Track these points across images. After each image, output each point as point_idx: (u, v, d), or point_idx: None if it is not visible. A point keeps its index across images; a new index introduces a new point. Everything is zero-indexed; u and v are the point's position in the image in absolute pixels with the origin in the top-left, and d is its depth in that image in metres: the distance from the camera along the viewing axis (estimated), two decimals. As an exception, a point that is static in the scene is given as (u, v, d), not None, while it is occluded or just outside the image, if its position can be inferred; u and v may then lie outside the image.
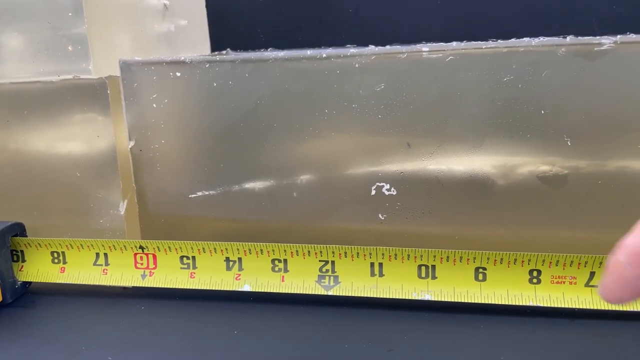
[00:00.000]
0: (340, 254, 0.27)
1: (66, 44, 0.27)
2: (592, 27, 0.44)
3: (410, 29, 0.47)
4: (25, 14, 0.27)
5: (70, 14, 0.27)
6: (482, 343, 0.24)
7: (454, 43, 0.25)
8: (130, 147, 0.29)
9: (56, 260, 0.30)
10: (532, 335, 0.24)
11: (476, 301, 0.26)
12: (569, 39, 0.24)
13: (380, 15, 0.48)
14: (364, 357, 0.23)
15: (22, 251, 0.30)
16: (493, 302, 0.26)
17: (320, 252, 0.27)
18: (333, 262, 0.27)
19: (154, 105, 0.28)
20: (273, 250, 0.28)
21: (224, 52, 0.44)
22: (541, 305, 0.25)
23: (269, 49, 0.44)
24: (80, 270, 0.29)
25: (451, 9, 0.47)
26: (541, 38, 0.24)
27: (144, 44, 0.33)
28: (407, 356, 0.23)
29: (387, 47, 0.26)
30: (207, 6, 0.43)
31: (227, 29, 0.47)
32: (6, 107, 0.29)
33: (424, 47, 0.25)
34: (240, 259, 0.28)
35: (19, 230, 0.30)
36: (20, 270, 0.30)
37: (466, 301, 0.26)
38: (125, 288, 0.30)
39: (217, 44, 0.45)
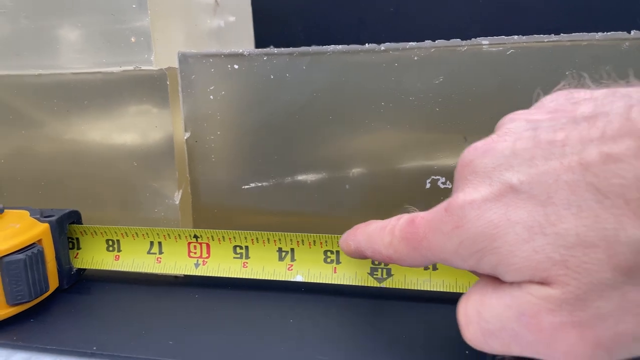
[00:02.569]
0: (393, 247, 0.27)
1: (129, 35, 0.28)
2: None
3: (451, 27, 0.47)
4: (89, 6, 0.28)
5: (134, 6, 0.27)
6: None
7: (515, 37, 0.25)
8: (185, 138, 0.30)
9: (111, 248, 0.30)
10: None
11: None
12: (633, 33, 0.24)
13: (420, 14, 0.48)
14: (425, 349, 0.23)
15: (77, 238, 0.31)
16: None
17: (374, 244, 0.27)
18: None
19: (211, 97, 0.29)
20: (326, 242, 0.28)
21: (267, 49, 0.44)
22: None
23: (310, 47, 0.44)
24: (135, 258, 0.30)
25: (493, 6, 0.47)
26: (605, 32, 0.24)
27: (196, 39, 0.34)
28: (464, 346, 0.23)
29: (446, 40, 0.26)
30: (251, 3, 0.44)
31: (269, 27, 0.47)
32: (67, 97, 0.30)
33: (484, 41, 0.25)
34: (292, 249, 0.28)
35: (75, 217, 0.30)
36: (75, 257, 0.30)
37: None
38: (176, 277, 0.31)
39: (259, 41, 0.46)
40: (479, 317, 0.18)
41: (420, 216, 0.21)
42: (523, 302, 0.17)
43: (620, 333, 0.16)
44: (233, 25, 0.39)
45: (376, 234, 0.22)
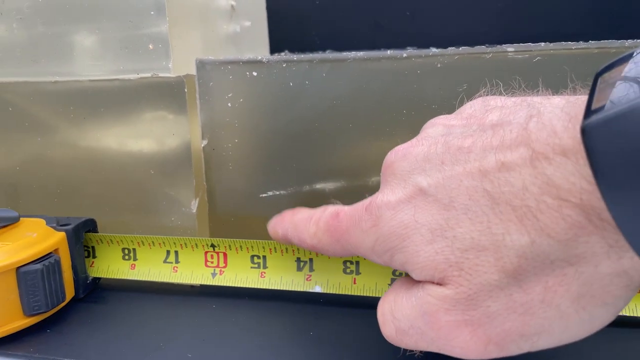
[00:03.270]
0: (415, 258, 0.27)
1: (147, 42, 0.27)
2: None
3: (468, 31, 0.47)
4: (107, 13, 0.28)
5: (152, 12, 0.27)
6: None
7: (542, 44, 0.24)
8: (203, 145, 0.29)
9: (127, 257, 0.30)
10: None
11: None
12: (664, 39, 0.23)
13: (437, 18, 0.48)
14: (448, 363, 0.23)
15: (93, 247, 0.30)
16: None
17: (395, 255, 0.27)
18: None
19: (229, 104, 0.29)
20: (345, 252, 0.27)
21: (282, 53, 0.44)
22: None
23: (327, 51, 0.44)
24: (151, 268, 0.29)
25: (511, 11, 0.46)
26: (635, 40, 0.23)
27: (213, 44, 0.33)
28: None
29: (471, 47, 0.25)
30: (266, 8, 0.44)
31: (284, 31, 0.47)
32: (84, 104, 0.29)
33: (510, 48, 0.25)
34: (311, 259, 0.28)
35: (91, 226, 0.30)
36: (91, 266, 0.30)
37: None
38: (192, 286, 0.30)
39: (274, 46, 0.45)
40: (392, 317, 0.20)
41: (343, 211, 0.22)
42: (425, 302, 0.18)
43: (507, 330, 0.17)
44: (249, 30, 0.39)
45: (302, 223, 0.23)
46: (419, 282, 0.19)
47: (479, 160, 0.17)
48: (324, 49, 0.44)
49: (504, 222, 0.16)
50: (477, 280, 0.17)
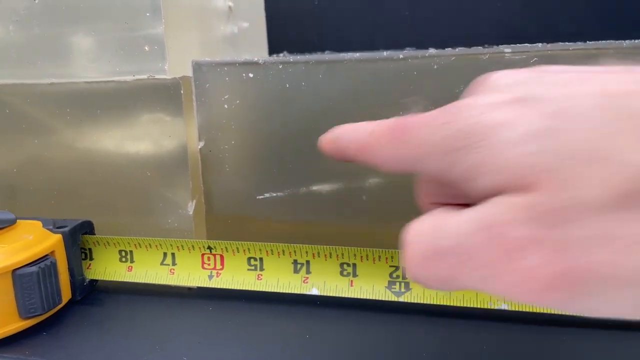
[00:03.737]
0: (412, 260, 0.27)
1: (142, 44, 0.27)
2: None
3: (467, 32, 0.47)
4: (102, 15, 0.28)
5: (148, 14, 0.27)
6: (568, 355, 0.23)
7: (539, 44, 0.24)
8: (199, 147, 0.29)
9: (124, 259, 0.30)
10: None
11: (557, 312, 0.25)
12: (662, 40, 0.23)
13: (435, 18, 0.47)
14: (445, 367, 0.22)
15: (90, 249, 0.30)
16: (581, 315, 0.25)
17: (392, 257, 0.27)
18: (404, 268, 0.27)
19: (225, 106, 0.28)
20: (342, 254, 0.27)
21: (281, 54, 0.44)
22: None
23: (325, 52, 0.44)
24: (148, 270, 0.29)
25: (509, 11, 0.46)
26: (633, 40, 0.23)
27: (211, 46, 0.33)
28: (489, 367, 0.22)
29: (467, 48, 0.25)
30: (265, 9, 0.44)
31: (283, 32, 0.47)
32: (80, 106, 0.29)
33: (507, 49, 0.24)
34: (308, 261, 0.28)
35: (88, 228, 0.30)
36: (88, 268, 0.30)
37: (545, 312, 0.25)
38: (189, 288, 0.30)
39: (273, 47, 0.45)
40: (433, 233, 0.16)
41: (411, 116, 0.19)
42: (489, 214, 0.15)
43: (589, 265, 0.14)
44: (247, 31, 0.39)
45: (363, 124, 0.21)
46: (482, 196, 0.16)
47: (600, 85, 0.15)
48: (322, 50, 0.44)
49: (626, 137, 0.14)
50: (572, 192, 0.14)
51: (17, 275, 0.25)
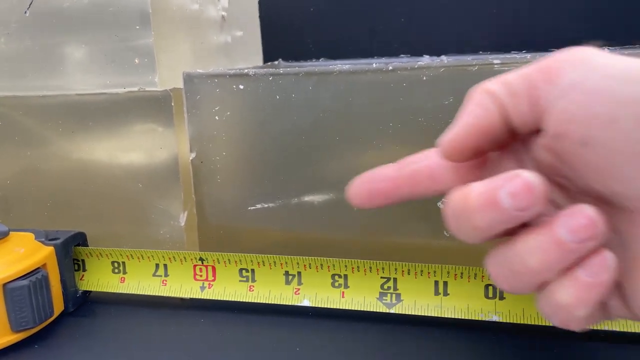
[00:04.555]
0: (403, 271, 0.26)
1: (133, 56, 0.27)
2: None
3: (463, 37, 0.47)
4: (92, 27, 0.28)
5: (137, 27, 0.27)
6: (557, 369, 0.23)
7: (529, 55, 0.24)
8: (191, 158, 0.29)
9: (116, 270, 0.30)
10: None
11: (547, 324, 0.25)
12: (653, 51, 0.23)
13: (431, 25, 0.47)
14: (434, 381, 0.22)
15: (83, 260, 0.30)
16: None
17: (382, 268, 0.27)
18: (395, 279, 0.27)
19: (216, 117, 0.28)
20: (333, 265, 0.27)
21: (276, 62, 0.44)
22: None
23: (320, 59, 0.44)
24: (140, 281, 0.29)
25: (505, 17, 0.46)
26: (621, 46, 0.23)
27: (203, 56, 0.33)
28: (478, 381, 0.22)
29: (456, 58, 0.25)
30: (259, 17, 0.44)
31: (278, 40, 0.47)
32: (72, 118, 0.29)
33: (496, 60, 0.24)
34: (299, 273, 0.28)
35: (81, 239, 0.30)
36: (81, 280, 0.30)
37: (536, 323, 0.25)
38: (182, 299, 0.30)
39: (268, 55, 0.45)
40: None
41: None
42: None
43: None
44: (241, 40, 0.39)
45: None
46: None
47: None
48: (318, 57, 0.44)
49: None
50: None
51: (8, 289, 0.25)
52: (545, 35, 0.44)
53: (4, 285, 0.25)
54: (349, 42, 0.49)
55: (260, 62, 0.44)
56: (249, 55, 0.41)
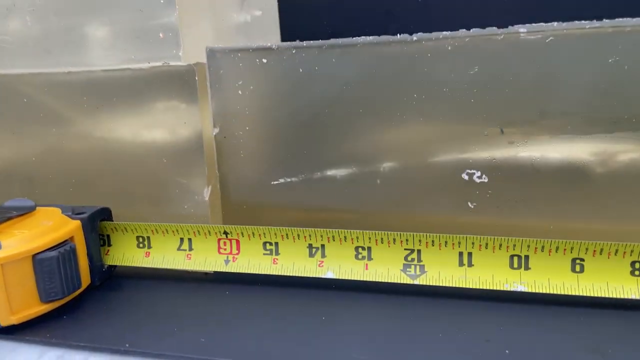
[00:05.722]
0: (427, 243, 0.27)
1: (157, 31, 0.28)
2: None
3: (480, 19, 0.46)
4: (117, 3, 0.28)
5: (162, 1, 0.27)
6: (584, 336, 0.23)
7: (555, 23, 0.24)
8: (214, 133, 0.29)
9: (141, 245, 0.30)
10: (637, 330, 0.23)
11: (573, 293, 0.25)
12: (682, 17, 0.23)
13: (450, 5, 0.47)
14: (461, 347, 0.22)
15: (108, 235, 0.31)
16: (591, 295, 0.24)
17: (407, 240, 0.27)
18: (419, 251, 0.27)
19: (239, 92, 0.29)
20: (357, 238, 0.27)
21: (296, 42, 0.44)
22: (646, 299, 0.24)
23: (340, 39, 0.43)
24: (165, 255, 0.30)
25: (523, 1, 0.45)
26: (651, 17, 0.23)
27: (223, 34, 0.34)
28: (505, 346, 0.22)
29: (481, 29, 0.25)
30: (277, -3, 0.44)
31: (295, 20, 0.47)
32: (96, 94, 0.30)
33: (522, 28, 0.24)
34: (323, 245, 0.28)
35: (106, 214, 0.30)
36: (106, 254, 0.31)
37: (562, 293, 0.25)
38: (206, 273, 0.31)
39: (284, 35, 0.45)
40: None
41: None
42: None
43: None
44: (259, 19, 0.39)
45: None
46: None
47: None
48: (335, 38, 0.44)
49: None
50: None
51: (38, 259, 0.25)
52: (567, 12, 0.44)
53: (34, 256, 0.25)
54: (365, 23, 0.49)
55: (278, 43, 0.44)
56: (268, 35, 0.41)
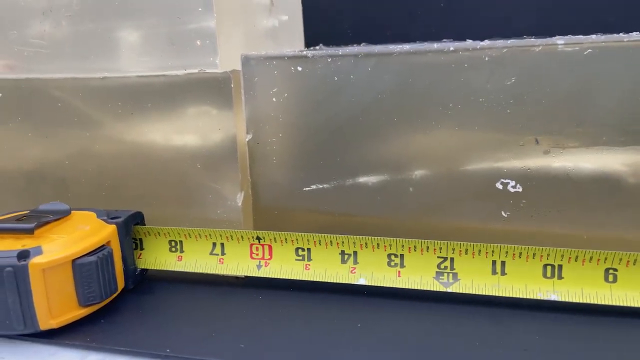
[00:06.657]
0: (460, 251, 0.27)
1: (194, 38, 0.28)
2: None
3: (504, 21, 0.46)
4: (154, 9, 0.28)
5: (200, 9, 0.27)
6: (618, 347, 0.23)
7: (594, 36, 0.24)
8: (247, 139, 0.30)
9: (173, 249, 0.31)
10: (673, 341, 0.23)
11: (606, 303, 0.25)
12: None
13: (472, 9, 0.47)
14: (500, 356, 0.23)
15: (140, 239, 0.31)
16: (624, 305, 0.25)
17: (440, 248, 0.27)
18: (452, 259, 0.27)
19: (274, 99, 0.29)
20: (390, 245, 0.28)
21: (317, 47, 0.44)
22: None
23: (362, 44, 0.44)
24: (197, 259, 0.30)
25: (548, 2, 0.46)
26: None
27: (254, 40, 0.34)
28: (545, 356, 0.22)
29: (519, 39, 0.25)
30: (302, 1, 0.44)
31: (317, 25, 0.47)
32: (131, 100, 0.30)
33: (560, 40, 0.24)
34: (355, 252, 0.28)
35: (139, 218, 0.31)
36: (138, 258, 0.31)
37: (595, 302, 0.25)
38: (237, 278, 0.31)
39: (308, 40, 0.45)
40: None
41: None
42: None
43: None
44: (286, 25, 0.39)
45: None
46: None
47: None
48: (357, 42, 0.44)
49: None
50: None
51: (77, 264, 0.26)
52: (588, 18, 0.44)
53: (73, 261, 0.26)
54: (387, 27, 0.49)
55: (302, 47, 0.44)
56: (293, 40, 0.42)
